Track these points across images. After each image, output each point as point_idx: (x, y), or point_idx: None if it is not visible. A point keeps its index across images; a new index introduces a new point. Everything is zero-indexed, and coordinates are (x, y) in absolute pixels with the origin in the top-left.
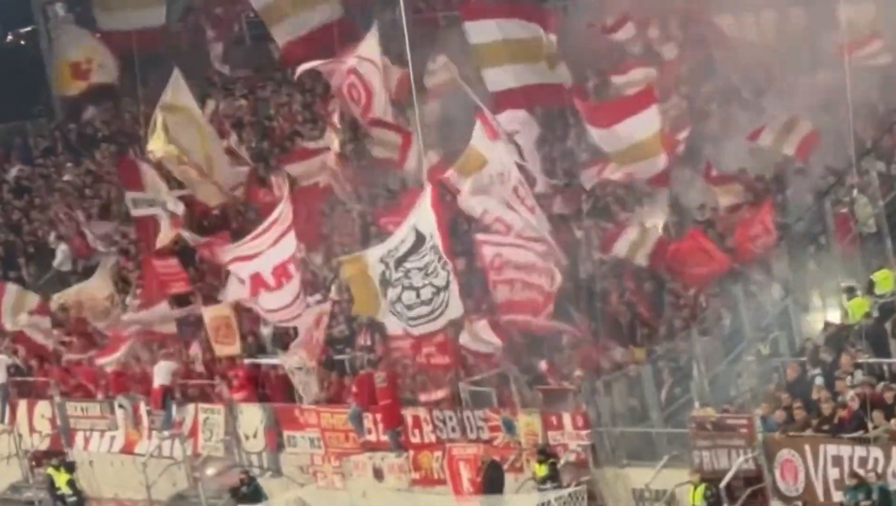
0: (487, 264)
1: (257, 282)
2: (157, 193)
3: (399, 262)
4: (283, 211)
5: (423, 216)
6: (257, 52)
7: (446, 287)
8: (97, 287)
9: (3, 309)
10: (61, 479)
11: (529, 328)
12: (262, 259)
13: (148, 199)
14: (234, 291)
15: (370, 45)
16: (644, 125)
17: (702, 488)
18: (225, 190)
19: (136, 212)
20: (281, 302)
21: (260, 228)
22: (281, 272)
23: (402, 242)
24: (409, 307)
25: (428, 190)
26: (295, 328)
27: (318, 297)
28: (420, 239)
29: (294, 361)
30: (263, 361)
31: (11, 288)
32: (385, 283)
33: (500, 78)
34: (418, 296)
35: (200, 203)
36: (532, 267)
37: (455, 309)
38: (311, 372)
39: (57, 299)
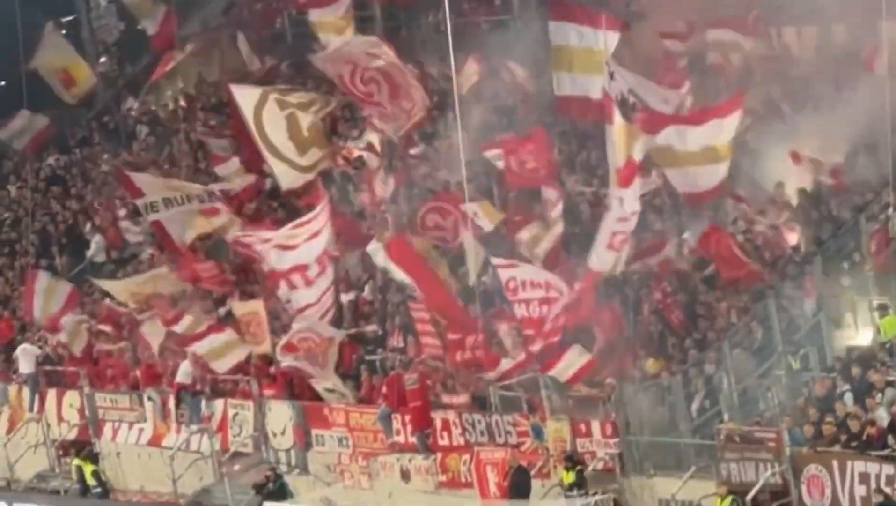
0: (504, 287)
1: (298, 272)
2: (167, 193)
3: None
4: (322, 208)
5: None
6: (298, 49)
7: None
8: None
9: (35, 297)
10: (87, 469)
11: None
12: (303, 250)
13: (153, 202)
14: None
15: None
16: (722, 131)
17: (728, 500)
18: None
19: (152, 217)
20: (311, 298)
21: (303, 219)
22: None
23: None
24: None
25: None
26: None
27: (351, 295)
28: None
29: (327, 385)
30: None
31: (43, 277)
32: None
33: (566, 83)
34: None
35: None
36: (548, 285)
37: None
38: (344, 395)
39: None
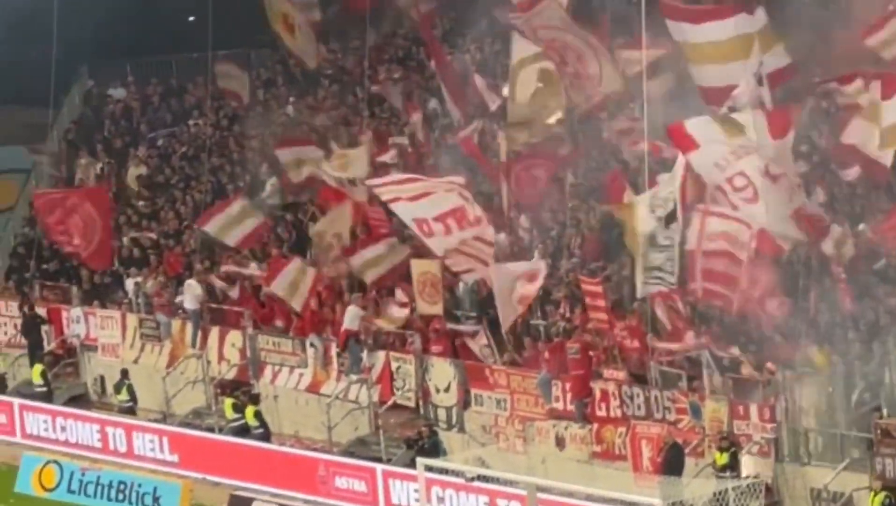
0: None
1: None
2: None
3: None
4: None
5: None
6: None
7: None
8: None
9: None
10: (249, 410)
11: (726, 303)
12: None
13: None
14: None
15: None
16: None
17: (881, 495)
18: None
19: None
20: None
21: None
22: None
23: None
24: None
25: (681, 160)
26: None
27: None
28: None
29: None
30: (462, 327)
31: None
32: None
33: (705, 75)
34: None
35: None
36: (742, 244)
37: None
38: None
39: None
